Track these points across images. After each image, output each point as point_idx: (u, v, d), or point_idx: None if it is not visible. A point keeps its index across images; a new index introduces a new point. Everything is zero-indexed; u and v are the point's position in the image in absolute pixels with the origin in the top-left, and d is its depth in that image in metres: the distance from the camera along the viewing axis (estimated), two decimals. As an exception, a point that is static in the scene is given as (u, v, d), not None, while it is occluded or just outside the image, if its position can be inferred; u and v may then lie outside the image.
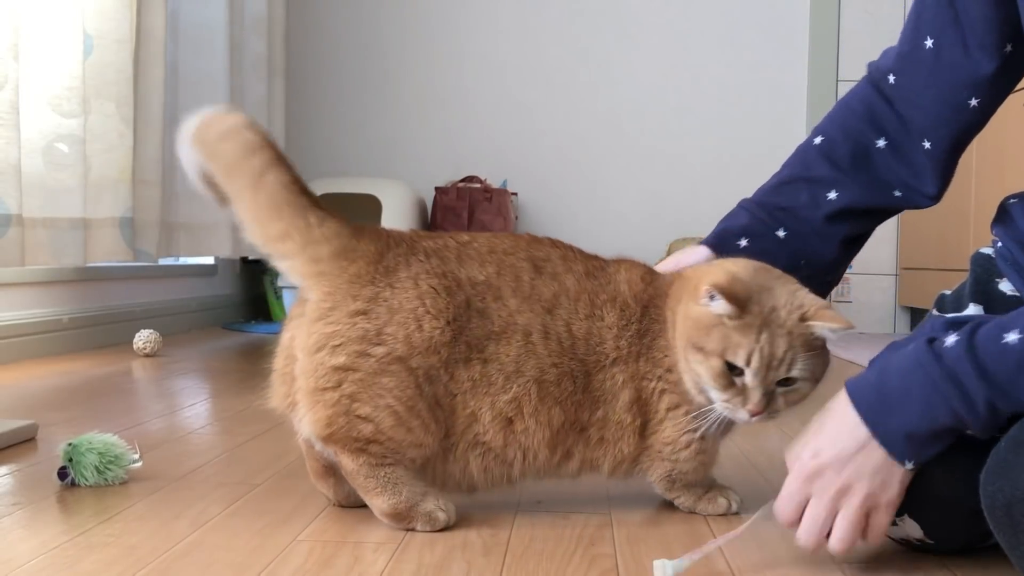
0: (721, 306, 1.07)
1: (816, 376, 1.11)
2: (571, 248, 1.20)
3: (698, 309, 1.10)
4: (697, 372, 1.10)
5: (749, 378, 1.08)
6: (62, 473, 1.26)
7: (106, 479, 1.26)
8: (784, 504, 0.99)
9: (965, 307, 1.12)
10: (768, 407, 1.09)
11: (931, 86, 1.16)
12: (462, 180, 3.73)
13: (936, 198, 1.20)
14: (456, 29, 3.99)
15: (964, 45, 1.13)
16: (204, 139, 1.09)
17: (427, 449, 1.10)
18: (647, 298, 1.16)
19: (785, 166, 1.28)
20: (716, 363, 1.08)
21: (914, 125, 1.19)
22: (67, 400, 1.96)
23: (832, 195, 1.22)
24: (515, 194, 3.84)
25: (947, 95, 1.14)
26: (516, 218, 3.80)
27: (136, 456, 1.31)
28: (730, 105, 3.94)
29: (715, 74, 3.94)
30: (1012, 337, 0.86)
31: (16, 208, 2.14)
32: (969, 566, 1.01)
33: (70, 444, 1.27)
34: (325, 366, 1.07)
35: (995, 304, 1.09)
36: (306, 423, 1.09)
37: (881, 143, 1.21)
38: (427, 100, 3.98)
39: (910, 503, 1.01)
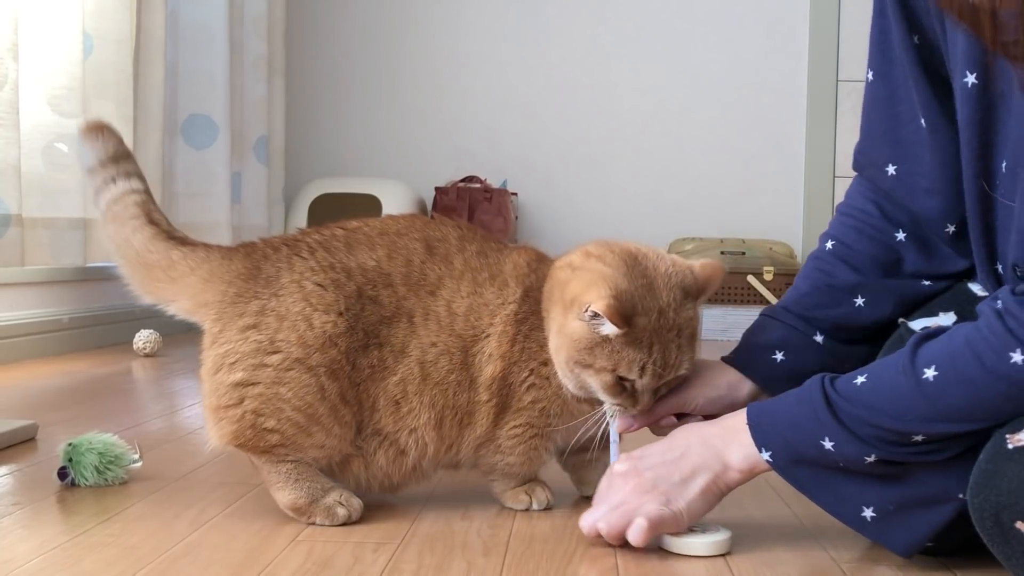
0: (608, 328, 1.05)
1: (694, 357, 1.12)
2: (473, 230, 1.19)
3: (578, 326, 1.07)
4: (586, 382, 1.09)
5: (642, 385, 1.08)
6: (62, 473, 1.26)
7: (106, 479, 1.26)
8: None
9: (936, 313, 1.11)
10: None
11: (943, 165, 1.06)
12: (462, 180, 3.72)
13: (966, 272, 1.12)
14: (456, 29, 3.98)
15: (949, 116, 1.03)
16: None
17: (329, 449, 1.11)
18: (529, 283, 1.15)
19: (801, 277, 1.20)
20: (608, 377, 1.07)
21: (930, 214, 1.10)
22: (67, 400, 1.96)
23: (859, 301, 1.15)
24: (515, 194, 3.84)
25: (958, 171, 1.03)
26: (516, 218, 3.80)
27: (136, 456, 1.31)
28: (730, 105, 3.93)
29: (715, 74, 3.93)
30: (860, 379, 0.97)
31: (16, 208, 2.14)
32: (969, 566, 1.01)
33: (70, 444, 1.27)
34: (224, 384, 1.08)
35: (967, 305, 1.09)
36: (213, 437, 1.11)
37: (900, 235, 1.15)
38: (427, 100, 3.98)
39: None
